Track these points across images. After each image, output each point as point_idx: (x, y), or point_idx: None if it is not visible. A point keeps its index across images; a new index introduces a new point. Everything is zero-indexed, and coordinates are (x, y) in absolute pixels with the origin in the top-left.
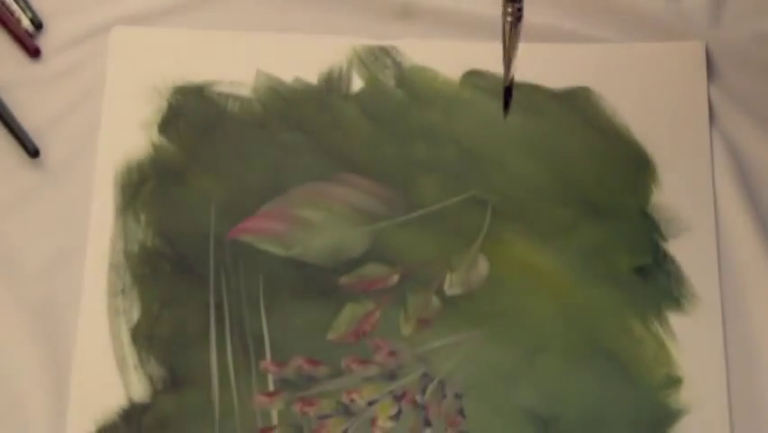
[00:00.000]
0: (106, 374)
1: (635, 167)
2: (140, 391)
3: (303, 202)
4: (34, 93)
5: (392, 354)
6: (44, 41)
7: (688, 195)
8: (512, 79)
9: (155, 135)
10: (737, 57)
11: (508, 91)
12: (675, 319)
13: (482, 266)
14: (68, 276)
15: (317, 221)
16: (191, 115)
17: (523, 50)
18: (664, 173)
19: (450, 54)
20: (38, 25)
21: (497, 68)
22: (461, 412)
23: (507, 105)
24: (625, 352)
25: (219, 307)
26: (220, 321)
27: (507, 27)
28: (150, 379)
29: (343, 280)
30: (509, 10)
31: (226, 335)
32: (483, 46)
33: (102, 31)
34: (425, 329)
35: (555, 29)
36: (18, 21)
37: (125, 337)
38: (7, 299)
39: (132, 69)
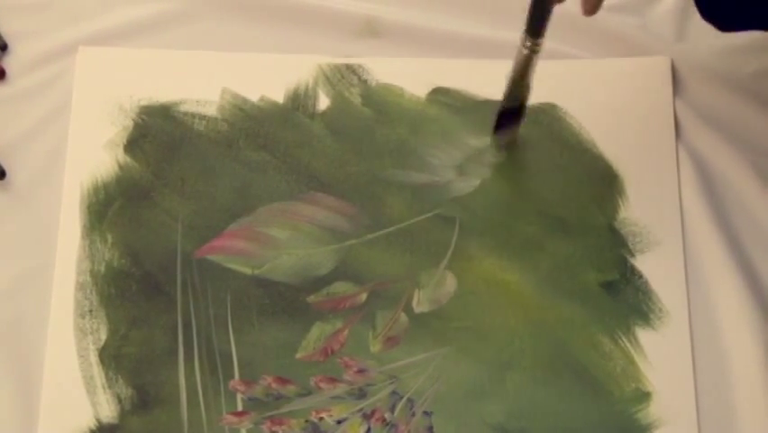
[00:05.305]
0: (74, 395)
1: (601, 182)
2: (108, 411)
3: (270, 221)
4: (0, 114)
5: (361, 372)
6: (9, 63)
7: (655, 209)
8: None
9: (121, 155)
10: (703, 72)
11: (502, 115)
12: (643, 334)
13: (450, 283)
14: (35, 297)
15: (285, 240)
16: (157, 134)
17: (489, 66)
18: (631, 188)
19: (416, 71)
20: (2, 47)
21: (462, 84)
22: (430, 430)
23: (498, 126)
24: (593, 367)
25: (187, 326)
26: (188, 340)
27: (522, 59)
28: (119, 399)
29: (311, 298)
30: (527, 44)
31: (194, 354)
32: (449, 63)
33: (67, 51)
34: (393, 347)
35: None
36: None
37: (93, 358)
38: None
39: (97, 88)
